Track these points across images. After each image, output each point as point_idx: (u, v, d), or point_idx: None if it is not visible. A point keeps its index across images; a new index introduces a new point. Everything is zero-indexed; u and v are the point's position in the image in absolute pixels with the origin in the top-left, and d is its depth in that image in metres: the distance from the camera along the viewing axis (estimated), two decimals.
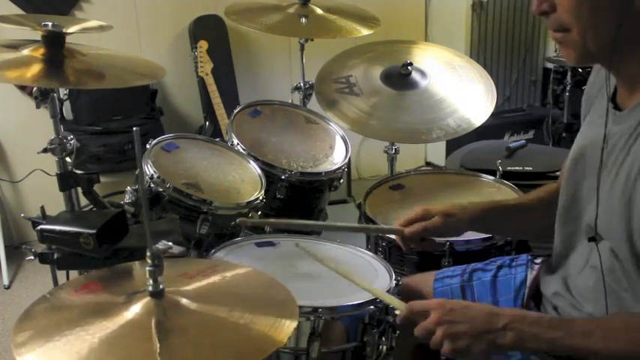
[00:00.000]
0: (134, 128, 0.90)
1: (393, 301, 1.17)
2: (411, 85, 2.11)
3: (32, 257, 1.41)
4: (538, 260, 1.40)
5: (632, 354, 1.00)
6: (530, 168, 2.32)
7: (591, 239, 1.10)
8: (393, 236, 1.59)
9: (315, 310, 1.20)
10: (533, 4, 1.07)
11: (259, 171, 1.88)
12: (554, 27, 1.06)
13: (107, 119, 3.10)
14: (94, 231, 1.29)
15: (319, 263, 1.28)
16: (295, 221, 1.64)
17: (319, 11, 2.35)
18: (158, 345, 0.87)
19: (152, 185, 1.65)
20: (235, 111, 2.09)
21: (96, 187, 1.74)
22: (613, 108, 1.11)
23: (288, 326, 0.94)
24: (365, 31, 2.32)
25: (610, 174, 1.07)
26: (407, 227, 1.33)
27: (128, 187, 1.71)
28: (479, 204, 1.38)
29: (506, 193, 1.86)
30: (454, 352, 1.05)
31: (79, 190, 1.75)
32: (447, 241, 1.56)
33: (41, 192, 2.21)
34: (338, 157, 2.09)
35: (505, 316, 1.05)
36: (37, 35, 1.55)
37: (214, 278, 1.06)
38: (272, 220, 1.62)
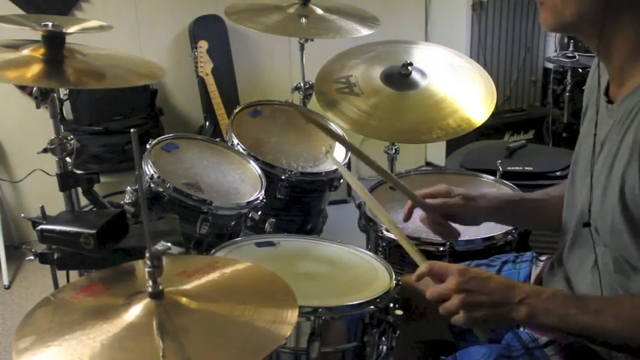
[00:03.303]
0: (132, 130, 0.90)
1: (415, 255, 1.19)
2: (411, 85, 2.11)
3: (32, 257, 1.41)
4: (543, 257, 1.41)
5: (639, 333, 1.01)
6: (530, 168, 2.32)
7: (586, 224, 1.10)
8: (395, 237, 1.59)
9: (315, 310, 1.20)
10: None
11: (259, 171, 1.88)
12: None
13: (107, 119, 3.10)
14: (94, 231, 1.29)
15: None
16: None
17: (319, 11, 2.35)
18: (162, 346, 0.87)
19: (152, 185, 1.65)
20: (235, 111, 2.09)
21: (96, 187, 1.74)
22: (606, 102, 1.12)
23: (290, 320, 0.94)
24: (365, 31, 2.32)
25: (605, 165, 1.07)
26: (429, 199, 1.33)
27: (128, 187, 1.72)
28: (502, 194, 1.38)
29: None
30: (469, 320, 1.06)
31: (79, 190, 1.75)
32: (449, 242, 1.56)
33: (41, 192, 2.21)
34: (338, 157, 2.10)
35: (521, 291, 1.06)
36: (37, 35, 1.55)
37: (213, 275, 1.06)
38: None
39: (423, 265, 1.13)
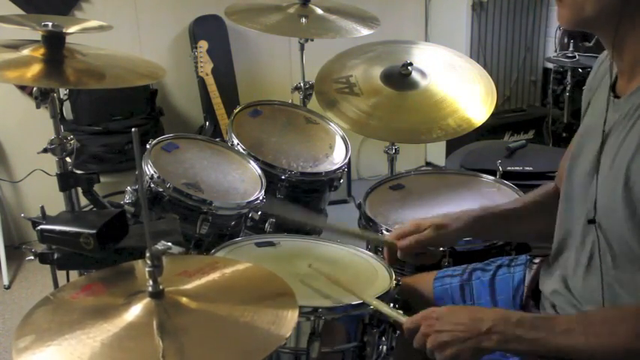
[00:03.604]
0: (133, 129, 0.90)
1: (395, 316, 1.19)
2: (411, 85, 2.10)
3: (32, 257, 1.41)
4: (537, 260, 1.41)
5: (612, 348, 1.00)
6: (530, 168, 2.32)
7: (591, 221, 1.10)
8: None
9: (315, 310, 1.20)
10: None
11: (259, 171, 1.88)
12: None
13: (107, 119, 3.10)
14: (94, 231, 1.29)
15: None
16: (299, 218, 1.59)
17: (319, 11, 2.35)
18: (162, 346, 0.86)
19: (152, 185, 1.65)
20: (235, 111, 2.09)
21: (96, 187, 1.74)
22: (612, 96, 1.12)
23: (290, 320, 0.94)
24: (365, 31, 2.32)
25: (607, 160, 1.07)
26: (399, 240, 1.35)
27: (128, 187, 1.72)
28: (472, 211, 1.38)
29: (506, 193, 1.86)
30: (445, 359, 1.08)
31: (79, 190, 1.75)
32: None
33: (41, 192, 2.21)
34: (338, 157, 2.10)
35: (488, 320, 1.07)
36: (37, 35, 1.55)
37: (214, 276, 1.06)
38: None
39: (404, 326, 1.16)
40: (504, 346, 1.06)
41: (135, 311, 0.93)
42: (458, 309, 1.15)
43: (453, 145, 2.91)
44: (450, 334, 1.08)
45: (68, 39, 1.57)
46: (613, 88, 1.13)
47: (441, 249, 1.44)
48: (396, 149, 2.22)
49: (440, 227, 1.33)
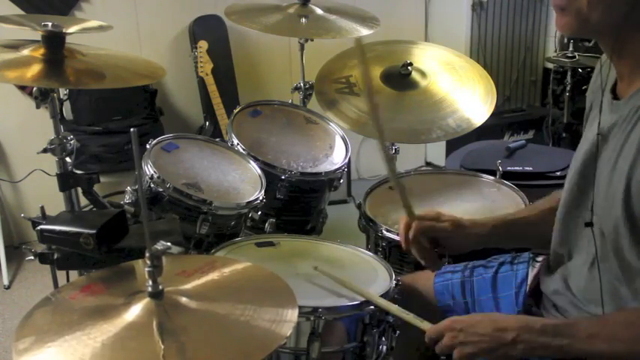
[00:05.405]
0: (131, 129, 0.90)
1: (415, 322, 1.18)
2: (411, 85, 2.10)
3: (32, 257, 1.41)
4: (540, 258, 1.40)
5: (636, 352, 1.01)
6: (530, 168, 2.32)
7: (588, 224, 1.11)
8: (394, 237, 1.59)
9: (315, 310, 1.20)
10: None
11: (259, 171, 1.88)
12: None
13: (107, 119, 3.10)
14: (94, 231, 1.29)
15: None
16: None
17: (319, 11, 2.35)
18: (162, 346, 0.86)
19: (152, 185, 1.65)
20: (235, 111, 2.09)
21: (96, 187, 1.74)
22: (612, 98, 1.12)
23: (290, 319, 0.94)
24: (365, 31, 2.32)
25: (609, 162, 1.07)
26: (418, 221, 1.32)
27: (128, 187, 1.72)
28: (488, 220, 1.37)
29: (506, 194, 1.86)
30: None
31: (79, 190, 1.75)
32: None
33: (41, 192, 2.21)
34: (338, 157, 2.10)
35: (512, 329, 1.07)
36: (37, 35, 1.55)
37: (213, 275, 1.06)
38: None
39: (426, 335, 1.15)
40: (530, 353, 1.07)
41: (135, 311, 0.93)
42: (480, 319, 1.13)
43: (453, 145, 2.91)
44: (476, 346, 1.08)
45: (68, 39, 1.57)
46: (614, 90, 1.13)
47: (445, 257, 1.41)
48: (396, 149, 2.22)
49: (458, 225, 1.32)
